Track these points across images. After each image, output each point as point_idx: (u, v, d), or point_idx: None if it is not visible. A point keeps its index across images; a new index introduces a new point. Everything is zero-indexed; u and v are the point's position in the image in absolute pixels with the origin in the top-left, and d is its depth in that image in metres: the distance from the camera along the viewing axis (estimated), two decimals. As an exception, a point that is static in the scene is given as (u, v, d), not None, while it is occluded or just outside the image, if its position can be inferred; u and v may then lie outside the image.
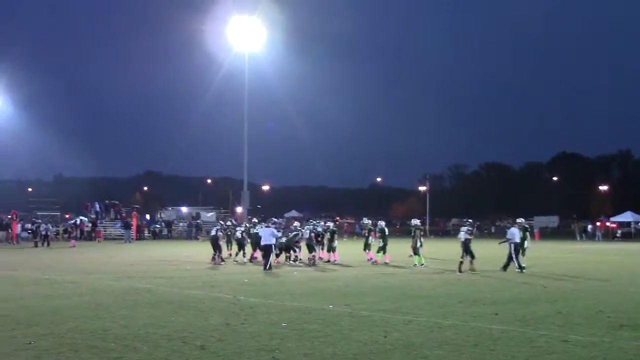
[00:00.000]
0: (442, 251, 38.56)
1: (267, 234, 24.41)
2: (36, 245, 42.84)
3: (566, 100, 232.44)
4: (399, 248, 30.41)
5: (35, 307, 13.33)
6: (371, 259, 27.41)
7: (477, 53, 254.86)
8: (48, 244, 43.40)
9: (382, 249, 27.02)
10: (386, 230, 27.79)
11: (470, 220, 25.42)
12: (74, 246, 41.79)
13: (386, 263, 26.61)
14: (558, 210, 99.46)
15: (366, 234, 29.52)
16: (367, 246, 28.39)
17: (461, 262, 22.77)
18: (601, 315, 12.99)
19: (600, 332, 11.07)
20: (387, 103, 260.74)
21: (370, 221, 30.40)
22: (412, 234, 25.88)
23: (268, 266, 23.35)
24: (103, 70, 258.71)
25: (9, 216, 51.94)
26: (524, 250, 23.63)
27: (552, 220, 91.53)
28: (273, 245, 24.35)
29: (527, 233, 24.04)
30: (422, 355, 9.08)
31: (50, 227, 46.96)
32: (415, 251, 25.48)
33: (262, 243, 24.41)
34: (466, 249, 23.07)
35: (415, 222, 26.67)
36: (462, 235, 23.46)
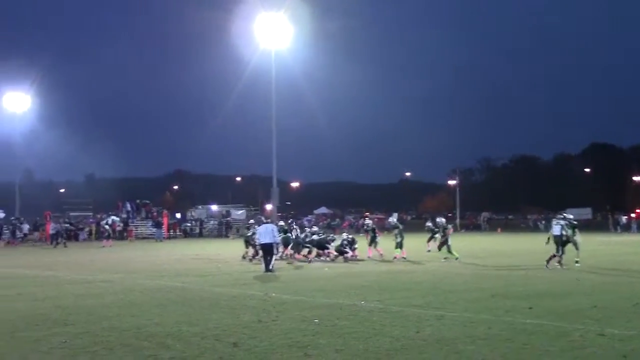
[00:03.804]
0: (472, 245, 38.35)
1: (267, 231, 22.24)
2: (55, 246, 43.42)
3: (598, 90, 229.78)
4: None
5: (70, 307, 13.48)
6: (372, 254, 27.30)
7: (507, 46, 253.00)
8: (57, 244, 43.72)
9: (399, 244, 26.99)
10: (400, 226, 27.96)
11: (564, 214, 23.86)
12: (109, 246, 42.10)
13: (404, 258, 26.55)
14: (591, 202, 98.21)
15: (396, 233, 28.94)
16: (374, 243, 28.10)
17: (553, 256, 21.89)
18: (638, 308, 12.76)
19: (638, 325, 10.87)
20: (416, 98, 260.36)
21: (394, 219, 29.88)
22: (442, 233, 25.99)
23: (270, 267, 21.44)
24: (133, 72, 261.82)
25: (37, 218, 52.77)
26: (576, 245, 22.82)
27: (585, 213, 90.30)
28: (274, 244, 22.36)
29: (577, 229, 23.11)
30: (455, 350, 9.00)
31: (59, 227, 47.39)
32: (448, 249, 25.52)
33: (261, 241, 22.22)
34: (561, 243, 21.96)
35: (442, 220, 26.74)
36: (557, 229, 22.22)
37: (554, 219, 23.95)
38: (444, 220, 27.06)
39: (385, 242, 28.50)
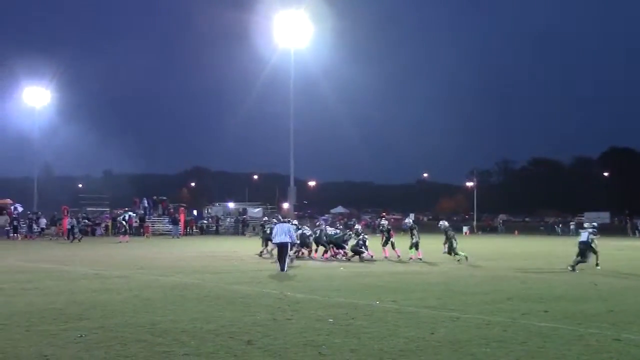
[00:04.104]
0: (488, 248, 38.19)
1: (283, 230, 21.84)
2: (72, 241, 43.73)
3: (616, 94, 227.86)
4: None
5: (85, 302, 13.55)
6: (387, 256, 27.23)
7: (525, 49, 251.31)
8: (73, 239, 44.07)
9: (415, 245, 26.87)
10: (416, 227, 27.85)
11: (587, 222, 23.48)
12: (125, 241, 42.34)
13: (420, 259, 26.38)
14: (609, 206, 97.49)
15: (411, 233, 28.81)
16: (389, 243, 28.02)
17: (579, 262, 21.72)
18: (655, 314, 12.63)
19: (655, 330, 10.76)
20: (434, 99, 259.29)
21: (410, 220, 29.88)
22: (445, 235, 25.82)
23: (285, 267, 21.15)
24: (153, 69, 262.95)
25: (54, 213, 53.13)
26: (594, 251, 22.59)
27: (603, 217, 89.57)
28: (289, 244, 22.01)
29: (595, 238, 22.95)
30: (469, 352, 8.96)
31: (74, 222, 47.51)
32: (455, 252, 25.32)
33: (277, 241, 21.80)
34: (583, 250, 21.86)
35: (444, 223, 26.73)
36: (585, 235, 22.02)
37: (582, 226, 23.58)
38: (446, 223, 27.00)
39: (401, 243, 28.38)
